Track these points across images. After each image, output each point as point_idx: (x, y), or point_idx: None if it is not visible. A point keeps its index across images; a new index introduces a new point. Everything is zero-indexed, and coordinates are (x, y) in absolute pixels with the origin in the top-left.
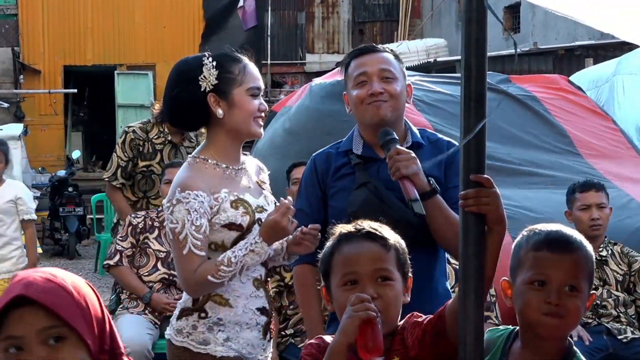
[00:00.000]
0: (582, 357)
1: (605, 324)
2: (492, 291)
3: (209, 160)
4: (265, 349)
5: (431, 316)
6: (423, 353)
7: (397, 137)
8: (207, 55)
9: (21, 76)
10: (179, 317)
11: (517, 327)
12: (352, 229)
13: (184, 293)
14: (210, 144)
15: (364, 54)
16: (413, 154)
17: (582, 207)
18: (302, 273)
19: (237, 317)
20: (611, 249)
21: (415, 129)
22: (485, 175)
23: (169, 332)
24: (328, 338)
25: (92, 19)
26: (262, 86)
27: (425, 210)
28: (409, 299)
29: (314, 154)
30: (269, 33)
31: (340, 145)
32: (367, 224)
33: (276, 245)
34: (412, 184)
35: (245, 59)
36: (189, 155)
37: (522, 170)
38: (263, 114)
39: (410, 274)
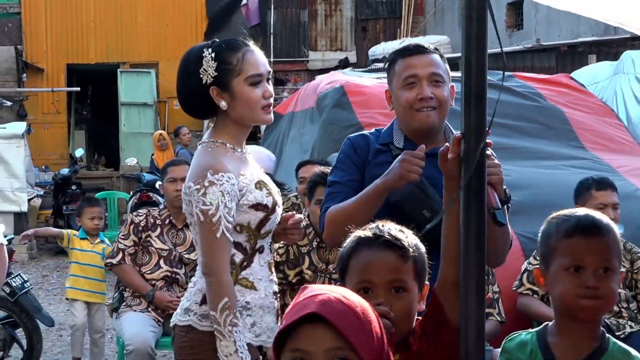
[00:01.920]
0: (615, 340)
1: (606, 320)
2: (495, 288)
3: (227, 145)
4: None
5: (426, 310)
6: (425, 348)
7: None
8: (209, 44)
9: (24, 74)
10: (202, 302)
11: (545, 324)
12: (371, 235)
13: (200, 278)
14: (221, 130)
15: (413, 54)
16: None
17: (599, 205)
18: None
19: (261, 301)
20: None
21: (454, 131)
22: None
23: (185, 317)
24: None
25: (94, 18)
26: (265, 70)
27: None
28: (424, 306)
29: (349, 136)
30: (271, 31)
31: (379, 136)
32: (387, 230)
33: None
34: (494, 192)
35: (248, 46)
36: (202, 141)
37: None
38: (271, 100)
39: (427, 282)
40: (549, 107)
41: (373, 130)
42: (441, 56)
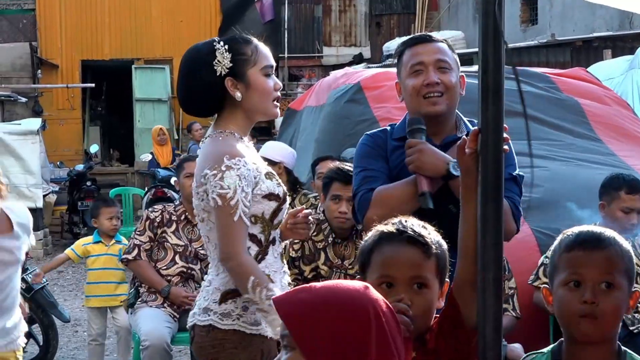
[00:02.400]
0: (633, 354)
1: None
2: (511, 283)
3: (235, 134)
4: None
5: (444, 308)
6: (442, 345)
7: (423, 127)
8: (217, 40)
9: (39, 71)
10: (222, 301)
11: (560, 341)
12: (395, 230)
13: (216, 276)
14: (228, 122)
15: (419, 42)
16: (421, 146)
17: (626, 209)
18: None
19: (278, 293)
20: (632, 241)
21: (466, 120)
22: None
23: (205, 317)
24: None
25: (109, 14)
26: (274, 64)
27: (452, 189)
28: (442, 303)
29: (367, 132)
30: (286, 26)
31: (394, 132)
32: (410, 226)
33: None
34: (425, 176)
35: (255, 40)
36: (208, 134)
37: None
38: (279, 93)
39: (447, 279)
40: (564, 99)
41: (388, 126)
42: (449, 46)
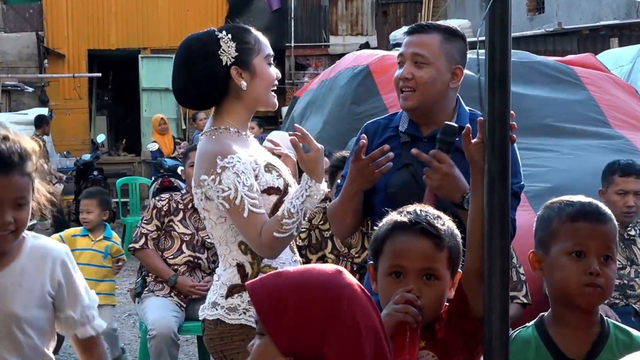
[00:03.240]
0: (613, 322)
1: (633, 305)
2: (522, 270)
3: (231, 129)
4: None
5: (452, 298)
6: (450, 335)
7: (453, 141)
8: (216, 29)
9: (45, 60)
10: (228, 295)
11: (540, 315)
12: (408, 221)
13: (223, 271)
14: (225, 115)
15: (410, 33)
16: (447, 170)
17: (620, 192)
18: None
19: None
20: (639, 229)
21: (466, 112)
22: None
23: (213, 312)
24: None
25: (116, 3)
26: (273, 53)
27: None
28: (453, 293)
29: (367, 123)
30: (292, 15)
31: (394, 119)
32: (424, 217)
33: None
34: (435, 195)
35: (253, 29)
36: (205, 131)
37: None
38: (276, 82)
39: (460, 270)
40: (575, 81)
41: (389, 114)
42: (448, 36)
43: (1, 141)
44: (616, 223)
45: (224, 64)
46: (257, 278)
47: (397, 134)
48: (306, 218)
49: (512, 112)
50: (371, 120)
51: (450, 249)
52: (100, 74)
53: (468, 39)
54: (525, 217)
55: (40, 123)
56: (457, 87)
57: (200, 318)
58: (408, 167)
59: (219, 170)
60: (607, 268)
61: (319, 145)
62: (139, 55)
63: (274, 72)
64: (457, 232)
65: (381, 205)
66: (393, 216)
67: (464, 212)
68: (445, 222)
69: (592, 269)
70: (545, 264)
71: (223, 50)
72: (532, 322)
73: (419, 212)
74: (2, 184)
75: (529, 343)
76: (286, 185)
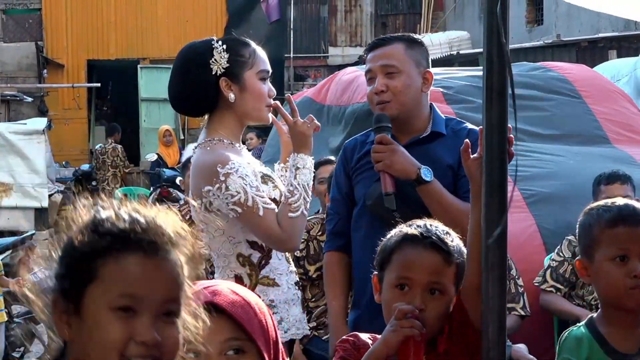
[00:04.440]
0: None
1: None
2: (520, 281)
3: (225, 140)
4: (305, 323)
5: (452, 311)
6: (452, 347)
7: (389, 126)
8: (215, 39)
9: (45, 70)
10: None
11: (590, 316)
12: (418, 234)
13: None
14: (218, 126)
15: (372, 48)
16: (394, 147)
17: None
18: (332, 261)
19: (284, 295)
20: None
21: (441, 118)
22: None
23: None
24: (363, 336)
25: (115, 13)
26: (270, 70)
27: (420, 194)
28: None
29: (346, 142)
30: (291, 26)
31: (371, 134)
32: (434, 231)
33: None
34: (391, 177)
35: (254, 44)
36: (198, 143)
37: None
38: (271, 100)
39: None
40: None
41: (365, 131)
42: (409, 44)
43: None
44: None
45: (213, 73)
46: (210, 294)
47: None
48: (309, 194)
49: (509, 125)
50: (349, 140)
51: (458, 265)
52: (99, 84)
53: (466, 51)
54: (525, 224)
55: (112, 131)
56: (429, 92)
57: None
58: None
59: (222, 178)
60: None
61: (304, 120)
62: (138, 66)
63: (267, 88)
64: (464, 250)
65: (358, 217)
66: (403, 228)
67: (424, 188)
68: (454, 239)
69: (637, 272)
70: (591, 271)
71: (215, 60)
72: (582, 322)
73: (429, 226)
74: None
75: (581, 340)
76: (281, 195)
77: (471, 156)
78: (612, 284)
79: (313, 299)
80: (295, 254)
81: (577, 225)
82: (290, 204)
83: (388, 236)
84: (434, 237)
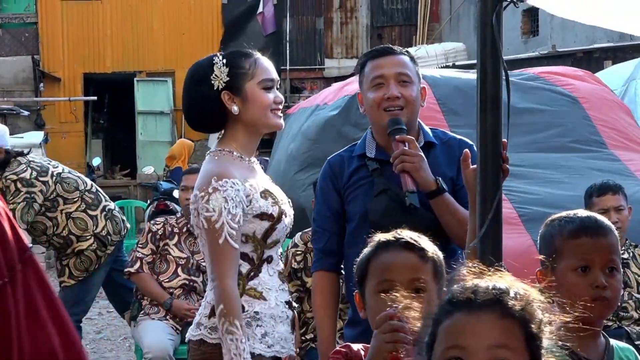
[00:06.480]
0: (609, 338)
1: (626, 327)
2: None
3: (234, 153)
4: (293, 344)
5: None
6: None
7: (405, 128)
8: (217, 54)
9: (41, 84)
10: (211, 315)
11: None
12: (391, 238)
13: (210, 291)
14: (230, 139)
15: (381, 55)
16: (421, 152)
17: (600, 211)
18: (322, 283)
19: (271, 310)
20: (632, 252)
21: (427, 129)
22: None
23: (197, 332)
24: (355, 346)
25: (111, 27)
26: (276, 77)
27: (434, 207)
28: None
29: (329, 158)
30: (287, 38)
31: (354, 149)
32: (407, 234)
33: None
34: (412, 178)
35: (257, 54)
36: (210, 151)
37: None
38: (280, 106)
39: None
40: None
41: (347, 147)
42: (411, 58)
43: None
44: (617, 233)
45: (215, 88)
46: None
47: (364, 163)
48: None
49: (504, 139)
50: (332, 156)
51: (434, 261)
52: (95, 97)
53: (462, 62)
54: (520, 240)
55: None
56: (422, 106)
57: (186, 339)
58: (386, 193)
59: (210, 190)
60: (613, 279)
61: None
62: (135, 79)
63: (272, 95)
64: (438, 251)
65: (356, 233)
66: (374, 238)
67: (439, 199)
68: (426, 241)
69: (599, 283)
70: (555, 281)
71: (215, 75)
72: None
73: (399, 232)
74: None
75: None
76: (280, 213)
77: (471, 166)
78: (575, 294)
79: (310, 311)
80: (293, 266)
81: (539, 237)
82: (221, 329)
83: (361, 254)
84: (406, 238)
